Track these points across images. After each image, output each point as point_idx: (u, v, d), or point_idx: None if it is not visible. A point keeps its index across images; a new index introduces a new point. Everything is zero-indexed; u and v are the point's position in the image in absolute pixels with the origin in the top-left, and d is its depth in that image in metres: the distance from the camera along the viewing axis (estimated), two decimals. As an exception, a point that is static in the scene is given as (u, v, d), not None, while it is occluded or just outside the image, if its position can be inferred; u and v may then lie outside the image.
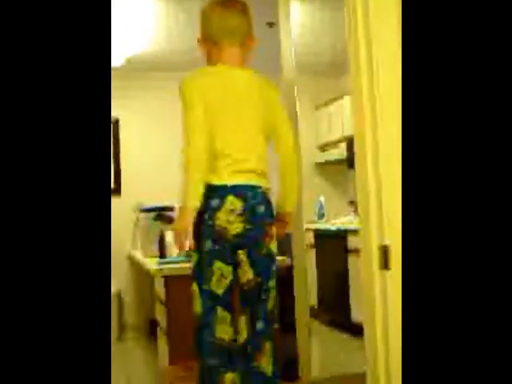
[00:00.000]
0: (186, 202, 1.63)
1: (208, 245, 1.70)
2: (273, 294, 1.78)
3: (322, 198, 4.77)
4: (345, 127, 4.44)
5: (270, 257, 1.76)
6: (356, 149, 1.34)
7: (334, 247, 4.09)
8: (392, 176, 1.24)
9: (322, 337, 3.86)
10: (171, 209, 3.62)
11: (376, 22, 1.26)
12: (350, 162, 4.31)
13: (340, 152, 4.58)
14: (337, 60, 4.50)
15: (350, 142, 4.23)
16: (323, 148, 5.02)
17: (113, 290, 4.31)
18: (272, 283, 1.77)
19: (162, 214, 3.55)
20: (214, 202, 1.68)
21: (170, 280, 2.65)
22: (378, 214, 1.26)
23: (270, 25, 3.35)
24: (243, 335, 1.75)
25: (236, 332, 1.75)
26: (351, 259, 3.82)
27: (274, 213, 1.80)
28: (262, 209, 1.72)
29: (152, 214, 3.58)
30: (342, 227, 4.03)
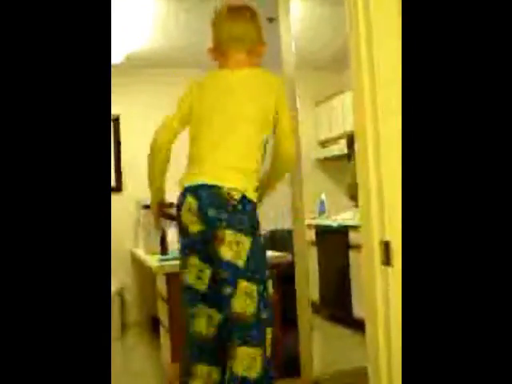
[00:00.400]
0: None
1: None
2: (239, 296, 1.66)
3: (322, 194, 4.77)
4: (346, 123, 4.43)
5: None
6: (357, 144, 1.33)
7: (335, 243, 4.09)
8: (393, 171, 1.23)
9: (323, 332, 3.87)
10: (173, 205, 3.61)
11: (377, 16, 1.25)
12: (350, 157, 4.30)
13: (341, 148, 4.57)
14: (337, 55, 4.49)
15: (350, 137, 4.22)
16: (324, 144, 5.01)
17: (115, 287, 4.31)
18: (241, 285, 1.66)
19: (163, 211, 3.54)
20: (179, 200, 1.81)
21: (171, 277, 2.65)
22: (379, 211, 1.26)
23: (270, 20, 3.34)
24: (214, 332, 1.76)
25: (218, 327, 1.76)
26: (353, 255, 3.82)
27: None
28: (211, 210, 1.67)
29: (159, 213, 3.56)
30: (344, 223, 4.03)
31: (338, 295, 4.04)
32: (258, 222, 1.75)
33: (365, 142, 1.28)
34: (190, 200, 1.72)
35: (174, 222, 3.01)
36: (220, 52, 1.87)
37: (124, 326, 4.46)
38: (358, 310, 3.69)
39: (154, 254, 3.32)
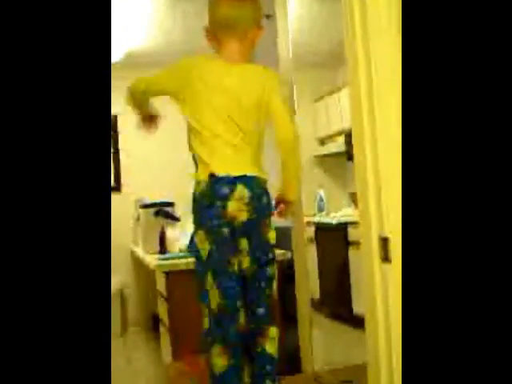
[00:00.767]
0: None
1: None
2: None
3: (321, 191, 4.77)
4: (344, 120, 4.43)
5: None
6: (354, 140, 1.33)
7: (334, 240, 4.09)
8: (392, 167, 1.23)
9: (323, 329, 3.87)
10: (172, 204, 3.62)
11: (374, 12, 1.25)
12: (349, 154, 4.30)
13: (339, 145, 4.57)
14: (335, 52, 4.48)
15: (348, 134, 4.22)
16: (322, 141, 5.01)
17: (115, 285, 4.32)
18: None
19: (162, 210, 3.55)
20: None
21: (171, 275, 2.66)
22: (377, 207, 1.26)
23: (267, 16, 3.33)
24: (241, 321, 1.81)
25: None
26: (352, 251, 3.82)
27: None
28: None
29: (152, 210, 3.57)
30: (343, 220, 4.03)
31: (338, 292, 4.04)
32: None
33: (362, 138, 1.28)
34: (241, 189, 1.73)
35: (172, 222, 2.99)
36: (214, 36, 1.83)
37: (125, 325, 4.46)
38: (358, 307, 3.69)
39: (153, 253, 3.32)
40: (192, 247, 1.84)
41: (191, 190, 1.82)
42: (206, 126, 1.77)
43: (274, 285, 1.88)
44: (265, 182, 1.82)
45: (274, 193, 1.91)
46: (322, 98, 4.86)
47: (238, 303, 1.77)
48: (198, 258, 1.80)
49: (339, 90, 4.51)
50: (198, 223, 1.79)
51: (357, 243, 3.57)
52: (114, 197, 4.54)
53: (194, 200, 1.79)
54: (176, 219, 3.48)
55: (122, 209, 4.46)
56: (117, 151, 4.66)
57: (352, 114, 1.34)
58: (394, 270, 1.23)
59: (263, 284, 1.82)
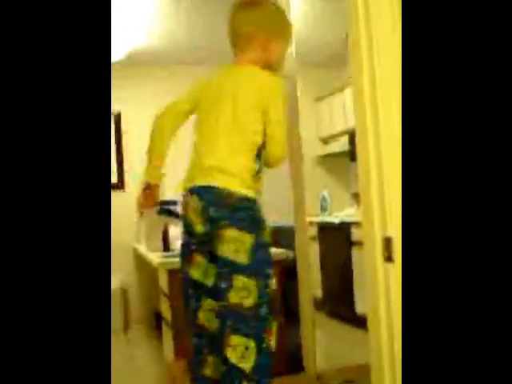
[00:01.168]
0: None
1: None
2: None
3: (324, 191, 4.77)
4: (347, 119, 4.42)
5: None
6: (357, 140, 1.33)
7: (337, 239, 4.09)
8: (394, 167, 1.23)
9: (326, 329, 3.87)
10: (175, 202, 3.62)
11: (377, 11, 1.25)
12: (352, 154, 4.30)
13: (342, 144, 4.56)
14: (338, 51, 4.48)
15: (352, 134, 4.22)
16: (325, 140, 5.00)
17: (118, 283, 4.33)
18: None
19: (165, 208, 3.55)
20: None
21: (173, 273, 2.66)
22: (380, 207, 1.26)
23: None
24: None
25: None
26: (355, 251, 3.82)
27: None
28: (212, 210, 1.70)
29: (156, 208, 3.58)
30: (346, 219, 4.03)
31: (341, 291, 4.04)
32: (261, 219, 1.75)
33: (365, 138, 1.28)
34: (194, 201, 1.74)
35: (176, 220, 3.00)
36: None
37: (127, 322, 4.47)
38: (361, 306, 3.69)
39: (156, 250, 3.33)
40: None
41: None
42: (197, 137, 1.85)
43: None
44: (234, 194, 1.70)
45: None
46: (325, 97, 4.86)
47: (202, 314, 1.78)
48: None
49: (343, 89, 4.50)
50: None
51: (360, 243, 3.57)
52: (117, 195, 4.55)
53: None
54: (179, 217, 3.48)
55: (125, 207, 4.47)
56: (119, 149, 4.66)
57: (355, 111, 1.34)
58: (397, 270, 1.23)
59: (220, 295, 1.71)
